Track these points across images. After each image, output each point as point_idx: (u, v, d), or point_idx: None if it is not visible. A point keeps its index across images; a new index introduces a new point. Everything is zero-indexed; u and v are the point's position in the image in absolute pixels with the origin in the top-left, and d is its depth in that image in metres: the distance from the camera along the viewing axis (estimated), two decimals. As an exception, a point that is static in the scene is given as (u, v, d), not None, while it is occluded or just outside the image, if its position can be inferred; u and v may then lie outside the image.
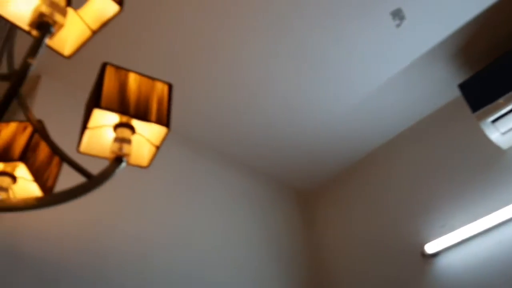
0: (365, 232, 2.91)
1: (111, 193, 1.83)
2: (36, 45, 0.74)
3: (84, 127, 1.05)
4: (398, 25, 2.30)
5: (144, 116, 1.05)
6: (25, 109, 0.95)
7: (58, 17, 0.78)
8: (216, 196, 2.78)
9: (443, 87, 2.67)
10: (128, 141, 1.06)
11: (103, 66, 1.05)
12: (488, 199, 2.38)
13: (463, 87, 2.43)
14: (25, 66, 0.71)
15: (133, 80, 1.09)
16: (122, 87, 1.06)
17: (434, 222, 2.57)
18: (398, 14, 2.25)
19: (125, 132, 1.08)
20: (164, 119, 1.08)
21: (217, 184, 2.84)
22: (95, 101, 0.99)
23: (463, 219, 2.43)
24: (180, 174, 2.69)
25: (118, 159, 1.04)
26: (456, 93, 2.65)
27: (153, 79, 1.13)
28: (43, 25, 0.76)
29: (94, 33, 0.90)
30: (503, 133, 2.33)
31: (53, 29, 0.77)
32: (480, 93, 2.32)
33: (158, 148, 1.13)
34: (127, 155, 1.05)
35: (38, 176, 1.15)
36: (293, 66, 2.48)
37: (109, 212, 2.14)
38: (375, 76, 2.57)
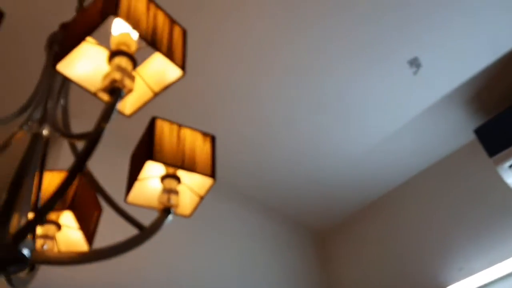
0: (381, 273, 2.89)
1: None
2: (109, 110, 0.78)
3: (133, 178, 1.08)
4: (415, 73, 2.38)
5: (192, 167, 1.09)
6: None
7: (127, 81, 0.82)
8: (234, 234, 2.79)
9: (458, 131, 2.72)
10: (175, 192, 1.10)
11: (153, 120, 1.10)
12: (506, 243, 2.39)
13: (478, 132, 2.48)
14: (99, 130, 0.75)
15: (180, 132, 1.14)
16: (172, 140, 1.10)
17: (451, 265, 2.57)
18: (414, 62, 2.33)
19: (172, 183, 1.11)
20: (210, 171, 1.12)
21: (235, 222, 2.86)
22: (147, 153, 1.04)
23: (482, 263, 2.43)
24: (199, 212, 2.70)
25: (166, 210, 1.07)
26: (471, 137, 2.69)
27: (196, 131, 1.17)
28: (115, 91, 0.81)
29: (156, 94, 0.94)
30: (521, 178, 2.36)
31: (123, 94, 0.82)
32: (496, 138, 2.37)
33: (202, 198, 1.16)
34: (175, 206, 1.08)
35: (83, 224, 1.18)
36: (314, 109, 2.54)
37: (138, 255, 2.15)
38: (392, 120, 2.63)
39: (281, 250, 3.00)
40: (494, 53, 2.35)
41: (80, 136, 0.85)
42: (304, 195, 3.09)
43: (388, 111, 2.59)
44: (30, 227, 0.77)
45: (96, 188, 1.02)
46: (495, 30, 2.26)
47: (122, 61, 0.85)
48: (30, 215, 0.87)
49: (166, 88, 0.91)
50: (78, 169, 0.76)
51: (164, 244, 2.38)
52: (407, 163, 2.91)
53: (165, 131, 1.10)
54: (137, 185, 1.11)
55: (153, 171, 1.15)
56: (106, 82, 0.81)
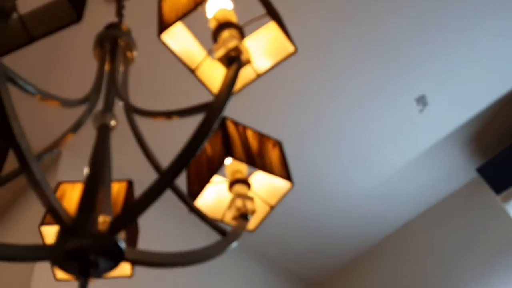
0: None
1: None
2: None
3: (206, 180, 0.97)
4: (421, 111, 2.41)
5: (271, 169, 0.99)
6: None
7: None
8: (225, 282, 2.59)
9: (458, 171, 2.75)
10: (250, 198, 0.99)
11: (224, 121, 1.01)
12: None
13: (482, 170, 2.52)
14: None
15: (250, 135, 1.05)
16: (245, 141, 1.01)
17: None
18: (422, 100, 2.37)
19: (244, 189, 1.00)
20: (287, 174, 1.02)
21: (226, 271, 2.67)
22: (226, 151, 0.93)
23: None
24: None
25: (243, 216, 0.95)
26: (471, 176, 2.72)
27: (263, 134, 1.09)
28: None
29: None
30: (527, 215, 2.38)
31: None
32: (502, 175, 2.40)
33: (272, 208, 1.05)
34: (252, 211, 0.96)
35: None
36: (310, 147, 2.49)
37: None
38: (392, 162, 2.62)
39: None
40: (494, 93, 2.44)
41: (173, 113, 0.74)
42: (296, 243, 2.96)
43: (391, 150, 2.58)
44: (129, 218, 0.64)
45: (180, 195, 0.90)
46: (495, 72, 2.36)
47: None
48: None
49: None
50: (192, 153, 0.65)
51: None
52: (405, 206, 2.89)
53: (236, 131, 1.01)
54: (207, 189, 0.99)
55: (219, 178, 1.04)
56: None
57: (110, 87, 0.99)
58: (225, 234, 0.88)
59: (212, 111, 0.66)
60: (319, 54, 2.14)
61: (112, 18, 1.20)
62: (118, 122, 0.92)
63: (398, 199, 2.83)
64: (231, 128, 1.00)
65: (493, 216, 2.55)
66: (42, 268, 1.68)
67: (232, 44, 0.73)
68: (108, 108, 0.94)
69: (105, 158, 0.81)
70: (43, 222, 1.00)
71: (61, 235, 0.63)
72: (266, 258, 2.95)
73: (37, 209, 2.02)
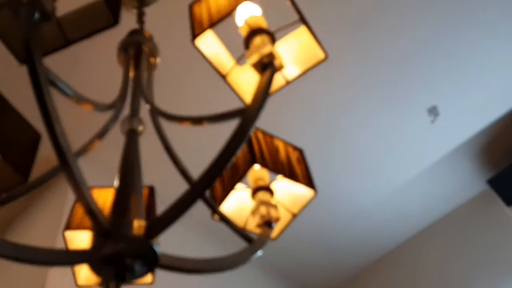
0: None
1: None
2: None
3: (231, 186, 0.97)
4: (432, 121, 2.41)
5: (295, 177, 0.99)
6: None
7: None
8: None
9: (469, 182, 2.74)
10: (273, 206, 0.98)
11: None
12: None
13: (492, 182, 2.51)
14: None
15: (274, 142, 1.05)
16: (269, 148, 1.01)
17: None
18: (433, 111, 2.37)
19: (267, 196, 1.00)
20: (311, 182, 1.01)
21: (234, 280, 2.65)
22: (252, 158, 0.93)
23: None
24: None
25: (267, 224, 0.95)
26: (482, 188, 2.71)
27: (287, 142, 1.09)
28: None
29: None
30: (539, 227, 2.37)
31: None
32: (512, 187, 2.39)
33: (295, 216, 1.05)
34: (277, 219, 0.96)
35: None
36: (330, 155, 2.49)
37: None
38: (404, 171, 2.61)
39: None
40: (505, 105, 2.44)
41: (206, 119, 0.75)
42: (306, 253, 2.94)
43: (402, 161, 2.58)
44: (164, 224, 0.64)
45: (207, 202, 0.91)
46: (506, 84, 2.36)
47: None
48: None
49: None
50: (227, 160, 0.65)
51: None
52: (416, 216, 2.88)
53: (262, 138, 1.01)
54: (231, 196, 0.99)
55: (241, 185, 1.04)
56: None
57: (136, 92, 1.00)
58: (251, 241, 0.88)
59: (248, 117, 0.67)
60: (333, 67, 2.14)
61: (131, 24, 1.20)
62: (145, 127, 0.92)
63: (409, 210, 2.82)
64: (256, 134, 1.01)
65: (504, 228, 2.54)
66: (56, 272, 1.67)
67: (266, 50, 0.73)
68: (135, 113, 0.94)
69: (135, 163, 0.81)
70: (67, 227, 1.00)
71: (98, 239, 0.63)
72: (273, 268, 2.94)
73: (40, 223, 2.01)
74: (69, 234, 1.01)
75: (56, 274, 1.67)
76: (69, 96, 0.78)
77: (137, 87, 1.00)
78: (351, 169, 2.58)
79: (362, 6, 2.01)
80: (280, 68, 0.74)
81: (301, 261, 2.98)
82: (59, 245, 1.70)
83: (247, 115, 0.67)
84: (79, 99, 0.82)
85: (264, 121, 2.38)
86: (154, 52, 1.13)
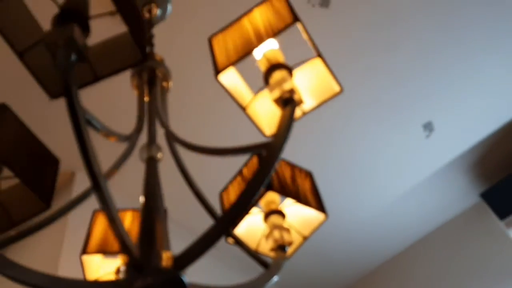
0: None
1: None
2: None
3: (243, 209, 0.99)
4: (427, 136, 2.47)
5: (306, 201, 1.02)
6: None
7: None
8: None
9: (462, 195, 2.80)
10: (286, 229, 1.01)
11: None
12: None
13: (486, 195, 2.57)
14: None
15: (283, 165, 1.08)
16: (280, 173, 1.04)
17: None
18: (428, 126, 2.43)
19: (280, 220, 1.03)
20: (321, 206, 1.05)
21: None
22: (266, 184, 0.96)
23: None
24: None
25: (281, 247, 0.98)
26: (475, 201, 2.77)
27: (294, 166, 1.12)
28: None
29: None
30: (530, 240, 2.43)
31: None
32: (505, 201, 2.45)
33: (306, 239, 1.08)
34: (290, 243, 0.99)
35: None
36: (326, 168, 2.53)
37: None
38: (399, 184, 2.67)
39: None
40: (497, 121, 2.51)
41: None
42: (302, 262, 2.97)
43: (397, 174, 2.63)
44: (192, 258, 0.66)
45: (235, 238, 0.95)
46: (500, 100, 2.43)
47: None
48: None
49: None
50: (255, 192, 0.68)
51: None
52: (411, 228, 2.93)
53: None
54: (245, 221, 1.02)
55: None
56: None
57: (151, 118, 1.02)
58: (267, 266, 0.90)
59: (272, 152, 0.70)
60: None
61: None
62: (163, 153, 0.95)
63: (404, 222, 2.87)
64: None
65: (496, 241, 2.59)
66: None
67: (287, 86, 0.76)
68: (153, 140, 0.97)
69: (157, 191, 0.84)
70: (84, 251, 1.02)
71: (130, 271, 0.65)
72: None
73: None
74: (86, 258, 1.02)
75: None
76: (99, 131, 0.80)
77: (153, 113, 1.03)
78: (348, 182, 2.62)
79: (360, 22, 2.07)
80: (299, 103, 0.77)
81: (297, 272, 3.01)
82: (62, 267, 1.71)
83: (271, 149, 0.70)
84: (109, 134, 0.84)
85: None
86: (167, 76, 1.16)
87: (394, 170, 2.61)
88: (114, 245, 1.11)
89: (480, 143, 2.58)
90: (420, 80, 2.29)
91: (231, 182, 1.12)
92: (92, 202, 0.92)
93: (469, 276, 2.63)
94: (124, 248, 0.64)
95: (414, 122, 2.42)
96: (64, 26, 0.66)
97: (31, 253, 1.90)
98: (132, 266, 0.65)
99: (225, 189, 1.13)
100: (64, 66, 0.62)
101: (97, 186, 0.60)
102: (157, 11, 1.43)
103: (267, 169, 0.68)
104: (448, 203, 2.83)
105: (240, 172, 1.11)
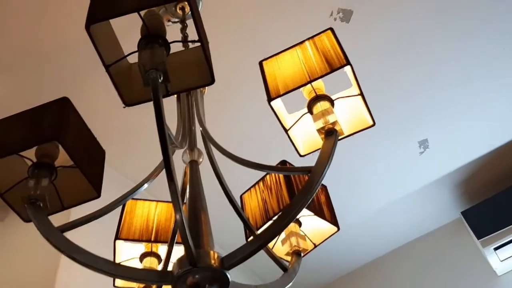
0: None
1: None
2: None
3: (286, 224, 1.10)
4: (421, 153, 2.61)
5: (321, 214, 1.14)
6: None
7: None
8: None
9: (444, 211, 2.96)
10: (302, 237, 1.13)
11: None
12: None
13: (466, 214, 2.73)
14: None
15: (297, 180, 1.18)
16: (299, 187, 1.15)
17: None
18: (424, 144, 2.57)
19: (296, 227, 1.14)
20: (334, 219, 1.16)
21: None
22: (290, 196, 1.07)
23: None
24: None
25: (297, 253, 1.09)
26: (455, 216, 2.93)
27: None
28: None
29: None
30: (502, 261, 2.60)
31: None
32: (484, 222, 2.61)
33: (316, 246, 1.19)
34: (305, 250, 1.10)
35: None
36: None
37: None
38: (389, 193, 2.81)
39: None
40: (488, 145, 2.67)
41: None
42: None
43: (387, 184, 2.77)
44: (247, 256, 0.77)
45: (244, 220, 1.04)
46: (493, 125, 2.58)
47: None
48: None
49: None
50: (296, 211, 0.79)
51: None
52: (392, 235, 3.08)
53: (296, 179, 1.15)
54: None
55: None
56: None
57: (191, 123, 1.12)
58: (286, 270, 1.02)
59: (314, 177, 0.80)
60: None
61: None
62: (203, 158, 1.05)
63: (386, 230, 3.02)
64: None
65: (471, 258, 2.77)
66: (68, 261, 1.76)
67: (331, 118, 0.87)
68: (193, 144, 1.06)
69: (200, 192, 0.94)
70: (117, 237, 1.12)
71: (185, 265, 0.75)
72: (253, 272, 3.08)
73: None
74: (118, 243, 1.12)
75: (66, 264, 1.77)
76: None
77: (192, 117, 1.12)
78: (337, 186, 2.74)
79: (373, 42, 2.18)
80: (340, 134, 0.88)
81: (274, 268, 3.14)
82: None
83: (315, 174, 0.81)
84: (175, 146, 0.94)
85: (263, 141, 2.51)
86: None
87: (384, 180, 2.75)
88: (138, 233, 1.21)
89: (468, 164, 2.74)
90: (421, 99, 2.42)
91: (253, 186, 1.23)
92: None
93: (443, 285, 2.81)
94: (185, 243, 0.74)
95: (411, 138, 2.56)
96: (152, 48, 0.75)
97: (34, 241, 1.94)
98: (189, 262, 0.75)
99: (247, 192, 1.24)
100: (154, 84, 0.71)
101: (171, 181, 0.69)
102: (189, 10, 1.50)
103: (308, 192, 0.79)
104: (430, 217, 2.99)
105: (263, 179, 1.21)
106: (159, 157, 1.05)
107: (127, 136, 2.34)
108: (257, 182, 1.22)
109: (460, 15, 2.16)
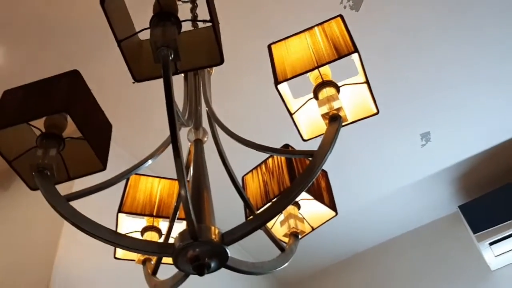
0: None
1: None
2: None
3: (285, 205, 1.12)
4: (423, 145, 2.63)
5: (321, 199, 1.16)
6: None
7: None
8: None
9: (442, 204, 2.99)
10: (301, 220, 1.15)
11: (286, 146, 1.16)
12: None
13: (463, 208, 2.75)
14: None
15: (299, 164, 1.20)
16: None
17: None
18: (426, 136, 2.59)
19: (295, 210, 1.17)
20: (333, 204, 1.19)
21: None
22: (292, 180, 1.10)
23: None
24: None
25: (294, 235, 1.12)
26: (452, 210, 2.96)
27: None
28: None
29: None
30: (496, 256, 2.63)
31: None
32: (481, 217, 2.64)
33: (313, 229, 1.22)
34: (303, 232, 1.13)
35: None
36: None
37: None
38: (389, 183, 2.84)
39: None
40: (488, 143, 2.68)
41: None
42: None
43: (387, 174, 2.80)
44: (247, 233, 0.79)
45: (242, 197, 1.07)
46: (493, 124, 2.60)
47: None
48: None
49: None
50: (296, 193, 0.81)
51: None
52: (389, 225, 3.12)
53: (297, 162, 1.17)
54: (266, 206, 1.16)
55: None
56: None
57: (197, 102, 1.13)
58: (284, 250, 1.04)
59: (316, 160, 0.82)
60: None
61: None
62: (208, 137, 1.06)
63: (384, 219, 3.06)
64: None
65: (466, 251, 2.80)
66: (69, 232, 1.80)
67: (336, 104, 0.88)
68: (199, 123, 1.08)
69: (204, 170, 0.96)
70: (120, 210, 1.14)
71: (187, 239, 0.77)
72: (246, 251, 3.13)
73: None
74: (121, 216, 1.15)
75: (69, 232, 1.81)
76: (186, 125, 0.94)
77: (199, 97, 1.13)
78: (338, 175, 2.76)
79: (374, 32, 2.18)
80: (344, 120, 0.89)
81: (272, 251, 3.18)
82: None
83: (316, 158, 0.82)
84: (181, 124, 0.96)
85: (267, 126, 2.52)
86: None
87: (385, 170, 2.77)
88: (140, 207, 1.24)
89: (468, 159, 2.76)
90: (427, 92, 2.43)
91: (255, 169, 1.25)
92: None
93: (433, 279, 2.85)
94: (188, 218, 0.76)
95: (414, 130, 2.58)
96: (164, 26, 0.76)
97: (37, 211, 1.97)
98: (190, 236, 0.77)
99: (249, 174, 1.26)
100: (164, 61, 0.73)
101: (178, 160, 0.71)
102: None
103: (312, 173, 0.81)
104: (427, 209, 3.02)
105: (265, 162, 1.24)
106: (165, 136, 1.08)
107: (133, 114, 2.36)
108: (259, 165, 1.24)
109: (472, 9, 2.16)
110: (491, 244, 2.61)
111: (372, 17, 2.15)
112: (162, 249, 0.79)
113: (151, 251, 0.80)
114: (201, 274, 0.78)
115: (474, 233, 2.63)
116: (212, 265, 0.80)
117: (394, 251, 3.13)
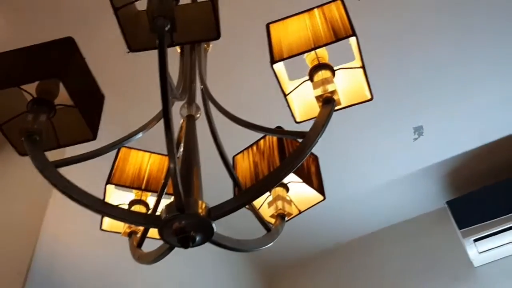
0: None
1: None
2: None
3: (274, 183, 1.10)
4: (415, 139, 2.64)
5: (310, 182, 1.16)
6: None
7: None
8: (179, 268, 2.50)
9: (430, 198, 3.02)
10: (288, 202, 1.16)
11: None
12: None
13: (451, 203, 2.78)
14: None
15: (290, 147, 1.20)
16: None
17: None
18: (418, 130, 2.60)
19: (284, 192, 1.17)
20: (322, 188, 1.20)
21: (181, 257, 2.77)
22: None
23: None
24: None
25: (281, 216, 1.12)
26: (440, 205, 2.99)
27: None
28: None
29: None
30: (480, 253, 2.67)
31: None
32: (467, 213, 2.67)
33: (300, 212, 1.23)
34: (290, 214, 1.14)
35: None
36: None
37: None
38: (379, 175, 2.86)
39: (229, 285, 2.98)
40: (481, 140, 2.70)
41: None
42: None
43: (377, 166, 2.81)
44: (234, 209, 0.80)
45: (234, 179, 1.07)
46: (486, 122, 2.61)
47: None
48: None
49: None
50: (285, 172, 0.81)
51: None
52: (377, 217, 3.14)
53: (289, 143, 1.17)
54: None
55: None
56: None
57: (192, 78, 1.13)
58: (269, 230, 1.05)
59: (307, 142, 0.82)
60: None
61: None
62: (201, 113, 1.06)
63: (371, 211, 3.08)
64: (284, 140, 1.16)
65: (450, 246, 2.84)
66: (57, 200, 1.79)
67: (330, 87, 0.88)
68: (193, 99, 1.08)
69: (195, 146, 0.96)
70: (108, 181, 1.14)
71: (173, 211, 0.78)
72: (234, 230, 3.14)
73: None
74: (109, 187, 1.15)
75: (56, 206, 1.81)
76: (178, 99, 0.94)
77: (195, 74, 1.13)
78: (328, 164, 2.77)
79: (373, 24, 2.17)
80: (338, 104, 0.89)
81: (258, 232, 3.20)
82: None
83: (307, 140, 0.82)
84: (174, 97, 0.95)
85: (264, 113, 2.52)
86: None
87: (376, 162, 2.79)
88: (129, 180, 1.24)
89: (458, 156, 2.77)
90: (421, 87, 2.43)
91: (247, 149, 1.25)
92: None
93: (416, 272, 2.89)
94: (175, 190, 0.76)
95: (406, 123, 2.58)
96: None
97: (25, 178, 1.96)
98: (177, 208, 0.77)
99: (240, 154, 1.26)
100: (160, 31, 0.72)
101: (168, 132, 0.71)
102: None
103: (302, 154, 0.81)
104: (415, 203, 3.05)
105: (256, 143, 1.24)
106: (157, 111, 1.07)
107: (128, 86, 2.35)
108: (251, 145, 1.24)
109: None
110: (475, 240, 2.64)
111: (373, 8, 2.14)
112: (147, 220, 0.80)
113: (136, 221, 0.80)
114: (186, 246, 0.79)
115: (460, 229, 2.66)
116: (197, 238, 0.80)
117: (380, 243, 3.16)
